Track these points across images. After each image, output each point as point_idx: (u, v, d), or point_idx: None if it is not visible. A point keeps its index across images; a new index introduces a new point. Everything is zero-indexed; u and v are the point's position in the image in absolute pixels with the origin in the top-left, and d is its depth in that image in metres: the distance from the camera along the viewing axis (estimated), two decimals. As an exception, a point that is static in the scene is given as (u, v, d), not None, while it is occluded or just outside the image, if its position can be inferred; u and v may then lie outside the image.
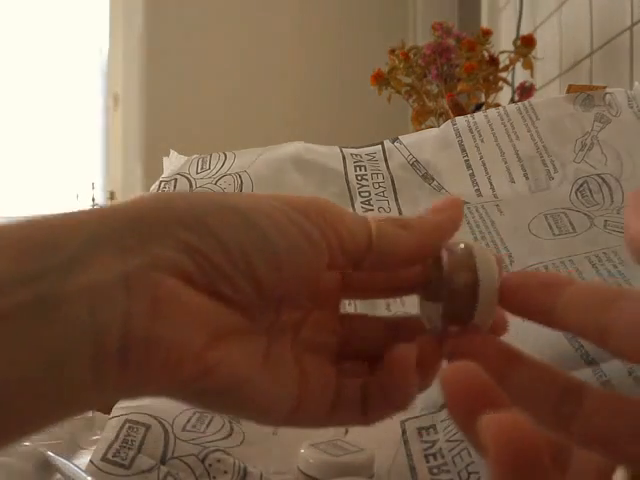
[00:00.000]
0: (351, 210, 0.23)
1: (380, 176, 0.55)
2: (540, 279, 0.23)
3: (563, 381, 0.22)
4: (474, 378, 0.19)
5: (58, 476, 0.38)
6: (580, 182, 0.52)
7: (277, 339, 0.24)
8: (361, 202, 0.53)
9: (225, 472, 0.37)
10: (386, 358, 0.24)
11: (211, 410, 0.26)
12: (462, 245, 0.24)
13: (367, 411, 0.26)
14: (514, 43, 1.17)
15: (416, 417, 0.40)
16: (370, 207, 0.53)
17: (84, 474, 0.36)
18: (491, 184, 0.53)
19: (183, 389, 0.21)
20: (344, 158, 0.55)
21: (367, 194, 0.54)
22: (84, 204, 2.45)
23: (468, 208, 0.51)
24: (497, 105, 1.10)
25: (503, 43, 1.45)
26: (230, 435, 0.40)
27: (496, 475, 0.16)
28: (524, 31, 1.28)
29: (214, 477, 0.37)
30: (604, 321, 0.20)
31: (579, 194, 0.51)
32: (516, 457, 0.16)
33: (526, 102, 0.58)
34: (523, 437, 0.16)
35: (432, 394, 0.41)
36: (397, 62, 1.19)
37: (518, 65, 1.18)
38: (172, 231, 0.20)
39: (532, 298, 0.22)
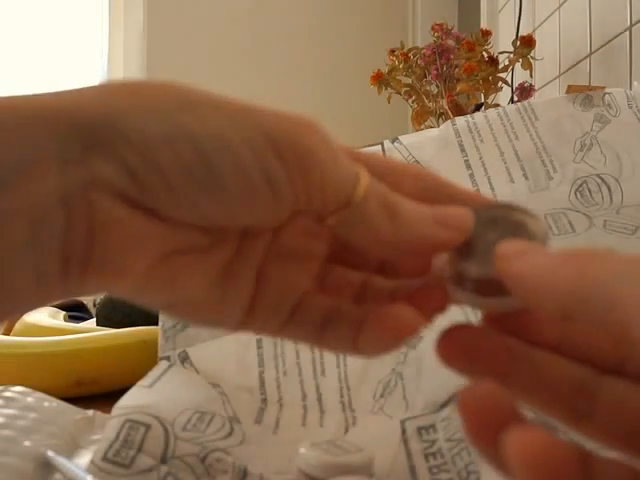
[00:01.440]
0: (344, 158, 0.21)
1: (380, 176, 0.55)
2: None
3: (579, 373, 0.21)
4: (490, 402, 0.18)
5: (58, 476, 0.38)
6: (579, 182, 0.52)
7: (247, 249, 0.22)
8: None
9: (225, 472, 0.37)
10: (377, 312, 0.22)
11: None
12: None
13: (357, 335, 0.22)
14: (513, 44, 1.17)
15: (416, 417, 0.40)
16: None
17: (84, 474, 0.36)
18: (491, 184, 0.53)
19: (129, 297, 0.22)
20: (344, 158, 0.56)
21: (367, 194, 0.54)
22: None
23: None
24: (497, 105, 1.11)
25: (502, 44, 1.45)
26: (230, 435, 0.41)
27: None
28: (523, 32, 1.28)
29: (214, 477, 0.37)
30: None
31: (578, 194, 0.51)
32: (547, 477, 0.16)
33: (525, 102, 0.58)
34: (551, 456, 0.16)
35: (432, 394, 0.41)
36: (397, 62, 1.19)
37: (517, 65, 1.18)
38: (117, 149, 0.19)
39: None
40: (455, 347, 0.21)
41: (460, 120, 0.57)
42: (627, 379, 0.20)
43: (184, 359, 0.47)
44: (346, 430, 0.43)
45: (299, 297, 0.23)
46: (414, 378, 0.43)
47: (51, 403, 0.45)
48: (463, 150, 0.55)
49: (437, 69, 1.15)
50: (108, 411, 0.40)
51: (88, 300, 1.00)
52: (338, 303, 0.23)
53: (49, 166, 0.18)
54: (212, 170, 0.19)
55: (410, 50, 1.20)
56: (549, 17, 1.25)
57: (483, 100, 1.17)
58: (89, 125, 0.19)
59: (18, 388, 0.45)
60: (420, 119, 1.19)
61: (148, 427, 0.38)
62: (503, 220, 0.22)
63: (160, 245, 0.20)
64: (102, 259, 0.20)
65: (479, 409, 0.18)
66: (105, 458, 0.36)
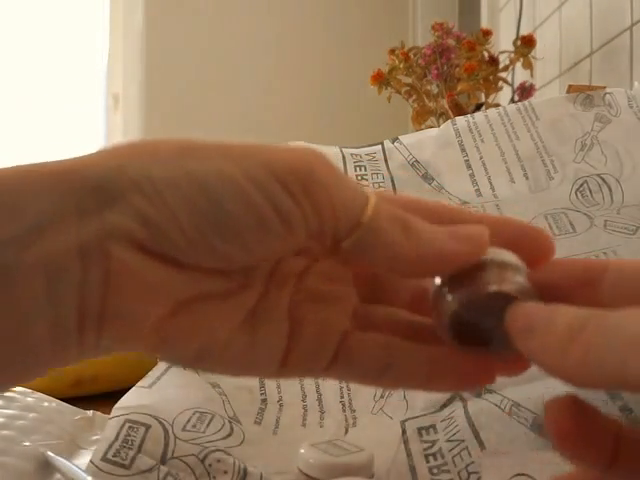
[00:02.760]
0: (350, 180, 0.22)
1: (380, 176, 0.55)
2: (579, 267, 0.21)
3: None
4: (576, 413, 0.19)
5: (58, 476, 0.38)
6: (580, 182, 0.52)
7: (272, 292, 0.22)
8: (361, 202, 0.53)
9: (225, 472, 0.37)
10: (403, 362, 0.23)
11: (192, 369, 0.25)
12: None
13: (432, 376, 0.23)
14: (514, 43, 1.17)
15: (416, 417, 0.40)
16: (370, 207, 0.53)
17: (84, 474, 0.36)
18: (491, 184, 0.53)
19: (151, 353, 0.21)
20: (344, 158, 0.55)
21: (367, 194, 0.54)
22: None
23: (468, 208, 0.51)
24: (497, 105, 1.10)
25: (503, 43, 1.45)
26: (230, 435, 0.40)
27: None
28: (524, 31, 1.28)
29: (214, 477, 0.37)
30: None
31: (579, 194, 0.51)
32: None
33: (526, 102, 0.58)
34: None
35: (432, 394, 0.41)
36: (397, 62, 1.19)
37: (518, 65, 1.18)
38: (129, 198, 0.19)
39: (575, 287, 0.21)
40: (569, 427, 0.19)
41: (460, 120, 0.57)
42: None
43: (184, 359, 0.47)
44: (346, 430, 0.43)
45: (339, 338, 0.23)
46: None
47: (51, 403, 0.45)
48: (463, 150, 0.55)
49: (437, 69, 1.15)
50: (108, 411, 0.40)
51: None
52: (391, 341, 0.23)
53: (67, 221, 0.19)
54: (221, 208, 0.19)
55: (410, 50, 1.20)
56: (550, 16, 1.25)
57: (483, 100, 1.17)
58: (101, 178, 0.19)
59: (18, 388, 0.45)
60: (420, 119, 1.19)
61: (148, 427, 0.38)
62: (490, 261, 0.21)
63: (179, 292, 0.20)
64: (119, 310, 0.19)
65: (567, 419, 0.18)
66: (105, 458, 0.36)
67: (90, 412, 0.46)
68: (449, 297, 0.21)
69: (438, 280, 0.21)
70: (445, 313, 0.21)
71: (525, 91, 1.17)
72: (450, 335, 0.21)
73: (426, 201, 0.23)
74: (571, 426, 0.19)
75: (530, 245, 0.22)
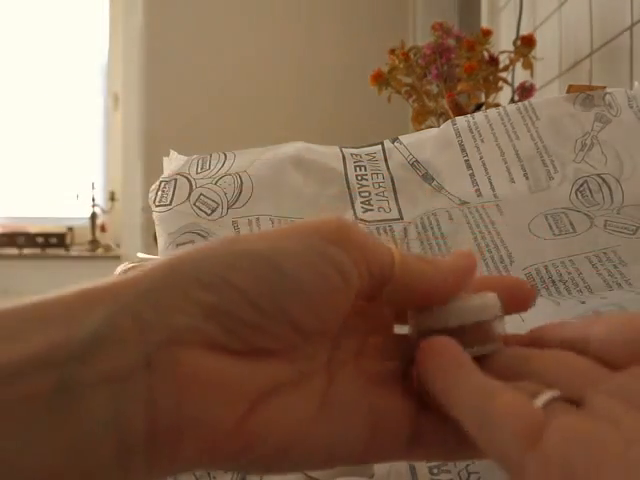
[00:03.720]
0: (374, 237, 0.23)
1: (380, 176, 0.55)
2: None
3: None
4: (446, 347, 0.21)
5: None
6: (580, 182, 0.52)
7: (337, 375, 0.22)
8: (361, 202, 0.53)
9: (225, 472, 0.37)
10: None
11: (269, 473, 0.24)
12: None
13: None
14: (514, 43, 1.17)
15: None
16: (370, 207, 0.53)
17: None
18: (491, 184, 0.53)
19: (226, 465, 0.20)
20: (344, 158, 0.55)
21: (367, 194, 0.53)
22: (84, 204, 2.45)
23: (468, 208, 0.51)
24: (497, 105, 1.10)
25: (503, 43, 1.45)
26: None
27: None
28: (524, 31, 1.28)
29: (214, 477, 0.37)
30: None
31: (579, 194, 0.51)
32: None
33: (526, 102, 0.58)
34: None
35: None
36: (397, 62, 1.19)
37: (518, 65, 1.18)
38: (190, 295, 0.19)
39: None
40: None
41: (460, 120, 0.57)
42: None
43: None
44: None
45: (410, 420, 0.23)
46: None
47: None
48: (463, 150, 0.55)
49: (437, 68, 1.15)
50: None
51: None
52: None
53: (127, 333, 0.18)
54: (284, 274, 0.20)
55: (410, 49, 1.20)
56: (550, 16, 1.25)
57: (484, 100, 1.17)
58: (155, 288, 0.19)
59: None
60: (420, 119, 1.19)
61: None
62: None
63: (256, 386, 0.20)
64: (197, 418, 0.18)
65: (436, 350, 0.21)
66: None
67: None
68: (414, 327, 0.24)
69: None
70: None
71: (525, 91, 1.17)
72: None
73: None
74: None
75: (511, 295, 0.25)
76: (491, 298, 0.23)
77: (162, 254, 0.48)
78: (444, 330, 0.22)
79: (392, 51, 1.22)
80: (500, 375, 0.20)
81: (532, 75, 1.18)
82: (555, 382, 0.20)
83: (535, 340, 0.23)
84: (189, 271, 0.19)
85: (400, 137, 0.58)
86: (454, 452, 0.23)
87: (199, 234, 0.48)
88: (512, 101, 1.21)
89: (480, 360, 0.22)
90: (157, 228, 0.50)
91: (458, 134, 0.56)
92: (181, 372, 0.18)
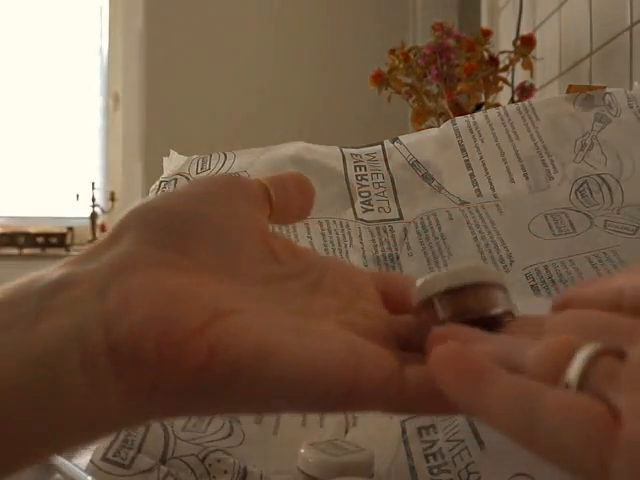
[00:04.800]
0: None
1: (380, 176, 0.55)
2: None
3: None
4: (461, 354, 0.19)
5: (58, 476, 0.38)
6: (580, 182, 0.52)
7: (315, 313, 0.23)
8: (361, 202, 0.53)
9: (225, 472, 0.37)
10: None
11: (248, 409, 0.23)
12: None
13: None
14: (514, 43, 1.17)
15: (416, 417, 0.40)
16: (370, 207, 0.53)
17: (84, 474, 0.36)
18: (491, 184, 0.53)
19: (196, 383, 0.19)
20: (344, 158, 0.55)
21: (367, 194, 0.54)
22: (84, 204, 2.45)
23: (468, 208, 0.51)
24: (497, 105, 1.10)
25: (503, 43, 1.45)
26: (230, 435, 0.40)
27: None
28: (524, 31, 1.28)
29: (214, 477, 0.37)
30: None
31: (579, 194, 0.51)
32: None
33: (526, 102, 0.58)
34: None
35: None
36: (397, 62, 1.19)
37: (518, 65, 1.18)
38: (128, 232, 0.22)
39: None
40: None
41: (460, 120, 0.57)
42: None
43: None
44: (346, 430, 0.43)
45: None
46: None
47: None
48: (463, 150, 0.55)
49: (437, 69, 1.15)
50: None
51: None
52: None
53: (80, 278, 0.21)
54: (201, 192, 0.24)
55: (410, 50, 1.20)
56: (550, 17, 1.25)
57: (483, 100, 1.17)
58: (99, 244, 0.23)
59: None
60: (420, 119, 1.19)
61: (148, 427, 0.38)
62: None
63: (209, 299, 0.21)
64: (148, 325, 0.20)
65: (451, 358, 0.19)
66: (105, 458, 0.36)
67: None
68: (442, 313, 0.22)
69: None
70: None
71: (525, 91, 1.17)
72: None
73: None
74: None
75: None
76: (486, 267, 0.23)
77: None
78: (448, 292, 0.22)
79: (392, 51, 1.22)
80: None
81: (532, 75, 1.18)
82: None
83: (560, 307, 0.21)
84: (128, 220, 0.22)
85: (400, 137, 0.58)
86: (439, 407, 0.22)
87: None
88: (512, 101, 1.21)
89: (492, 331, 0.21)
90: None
91: (458, 134, 0.56)
92: (132, 284, 0.20)
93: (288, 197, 0.27)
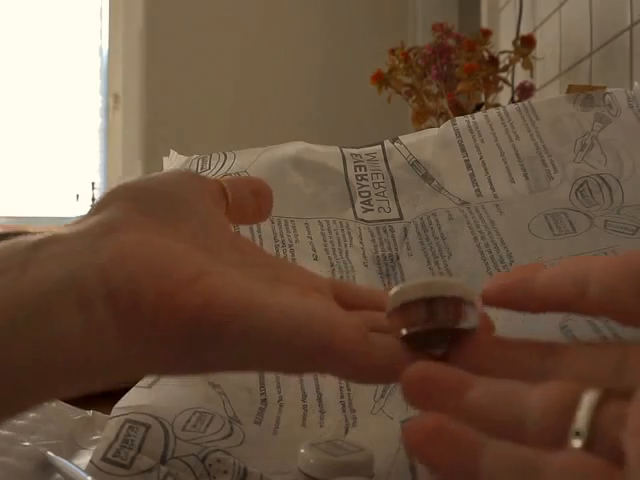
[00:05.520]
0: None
1: (380, 176, 0.55)
2: (521, 267, 0.22)
3: (545, 345, 0.21)
4: (431, 370, 0.19)
5: (58, 476, 0.38)
6: (580, 182, 0.52)
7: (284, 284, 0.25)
8: (361, 202, 0.53)
9: (225, 472, 0.37)
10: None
11: (239, 362, 0.23)
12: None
13: None
14: (514, 43, 1.17)
15: (416, 417, 0.40)
16: (370, 207, 0.53)
17: (84, 474, 0.36)
18: (491, 184, 0.53)
19: (192, 332, 0.21)
20: (344, 158, 0.55)
21: (367, 194, 0.54)
22: (84, 204, 2.45)
23: (468, 208, 0.51)
24: (497, 105, 1.10)
25: (503, 43, 1.45)
26: (230, 435, 0.40)
27: None
28: (524, 31, 1.28)
29: (214, 477, 0.37)
30: (582, 275, 0.19)
31: (579, 194, 0.51)
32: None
33: (526, 102, 0.58)
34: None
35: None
36: (397, 62, 1.19)
37: (518, 65, 1.18)
38: (118, 200, 0.24)
39: (511, 289, 0.21)
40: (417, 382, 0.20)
41: (460, 120, 0.57)
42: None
43: (184, 359, 0.47)
44: (346, 430, 0.43)
45: None
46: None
47: (50, 403, 0.45)
48: (463, 150, 0.55)
49: (437, 69, 1.15)
50: (108, 411, 0.40)
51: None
52: None
53: (73, 236, 0.22)
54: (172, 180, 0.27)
55: (410, 50, 1.20)
56: (550, 16, 1.25)
57: (483, 100, 1.17)
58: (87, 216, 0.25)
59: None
60: (420, 119, 1.19)
61: (148, 427, 0.38)
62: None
63: (195, 258, 0.23)
64: (146, 271, 0.21)
65: (420, 374, 0.19)
66: (105, 458, 0.36)
67: (90, 412, 0.46)
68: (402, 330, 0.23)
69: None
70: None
71: (525, 91, 1.17)
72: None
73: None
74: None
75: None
76: (455, 280, 0.23)
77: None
78: (420, 301, 0.22)
79: (392, 51, 1.22)
80: (513, 373, 0.19)
81: (532, 75, 1.18)
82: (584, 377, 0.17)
83: (525, 292, 0.21)
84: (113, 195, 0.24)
85: (400, 137, 0.58)
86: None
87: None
88: (512, 101, 1.21)
89: (477, 361, 0.21)
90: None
91: (458, 134, 0.56)
92: (125, 240, 0.21)
93: (243, 200, 0.29)
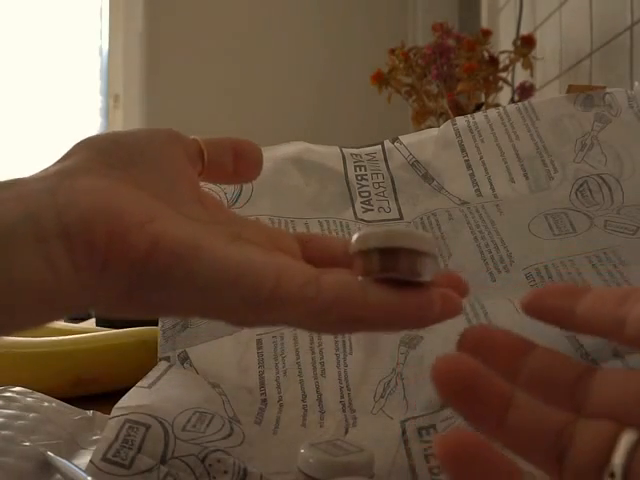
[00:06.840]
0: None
1: (380, 176, 0.55)
2: (561, 287, 0.23)
3: (577, 365, 0.22)
4: (465, 366, 0.20)
5: (58, 476, 0.38)
6: (580, 182, 0.52)
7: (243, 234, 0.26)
8: (361, 202, 0.53)
9: (225, 472, 0.37)
10: None
11: (185, 305, 0.24)
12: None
13: None
14: (514, 43, 1.17)
15: (416, 417, 0.40)
16: (370, 207, 0.53)
17: (84, 474, 0.36)
18: (491, 184, 0.53)
19: (142, 270, 0.22)
20: (344, 158, 0.55)
21: (367, 194, 0.54)
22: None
23: (468, 208, 0.51)
24: (497, 105, 1.10)
25: (503, 43, 1.45)
26: (230, 435, 0.40)
27: None
28: (524, 31, 1.28)
29: (214, 477, 0.37)
30: (621, 313, 0.20)
31: (579, 194, 0.51)
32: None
33: (526, 102, 0.58)
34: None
35: (432, 394, 0.41)
36: (397, 62, 1.19)
37: (518, 65, 1.18)
38: (80, 155, 0.24)
39: (554, 303, 0.22)
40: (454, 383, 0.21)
41: (460, 120, 0.57)
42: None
43: (184, 359, 0.47)
44: (346, 430, 0.43)
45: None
46: (414, 378, 0.43)
47: (51, 403, 0.45)
48: (463, 150, 0.55)
49: (437, 69, 1.15)
50: (108, 411, 0.40)
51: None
52: None
53: (35, 180, 0.23)
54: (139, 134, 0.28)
55: (410, 50, 1.20)
56: (550, 16, 1.25)
57: (483, 100, 1.17)
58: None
59: (18, 388, 0.45)
60: (420, 119, 1.19)
61: (148, 427, 0.38)
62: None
63: (149, 202, 0.24)
64: (98, 213, 0.22)
65: (454, 371, 0.20)
66: (105, 458, 0.36)
67: (90, 412, 0.46)
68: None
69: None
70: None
71: (525, 91, 1.18)
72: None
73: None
74: (457, 382, 0.20)
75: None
76: (418, 232, 0.24)
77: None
78: (382, 250, 0.22)
79: (392, 51, 1.22)
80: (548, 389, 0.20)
81: (532, 75, 1.18)
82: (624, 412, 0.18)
83: (564, 316, 0.22)
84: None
85: (400, 137, 0.58)
86: (352, 312, 0.23)
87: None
88: (512, 101, 1.21)
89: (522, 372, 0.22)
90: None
91: (458, 134, 0.56)
92: (80, 183, 0.22)
93: (222, 160, 0.29)
